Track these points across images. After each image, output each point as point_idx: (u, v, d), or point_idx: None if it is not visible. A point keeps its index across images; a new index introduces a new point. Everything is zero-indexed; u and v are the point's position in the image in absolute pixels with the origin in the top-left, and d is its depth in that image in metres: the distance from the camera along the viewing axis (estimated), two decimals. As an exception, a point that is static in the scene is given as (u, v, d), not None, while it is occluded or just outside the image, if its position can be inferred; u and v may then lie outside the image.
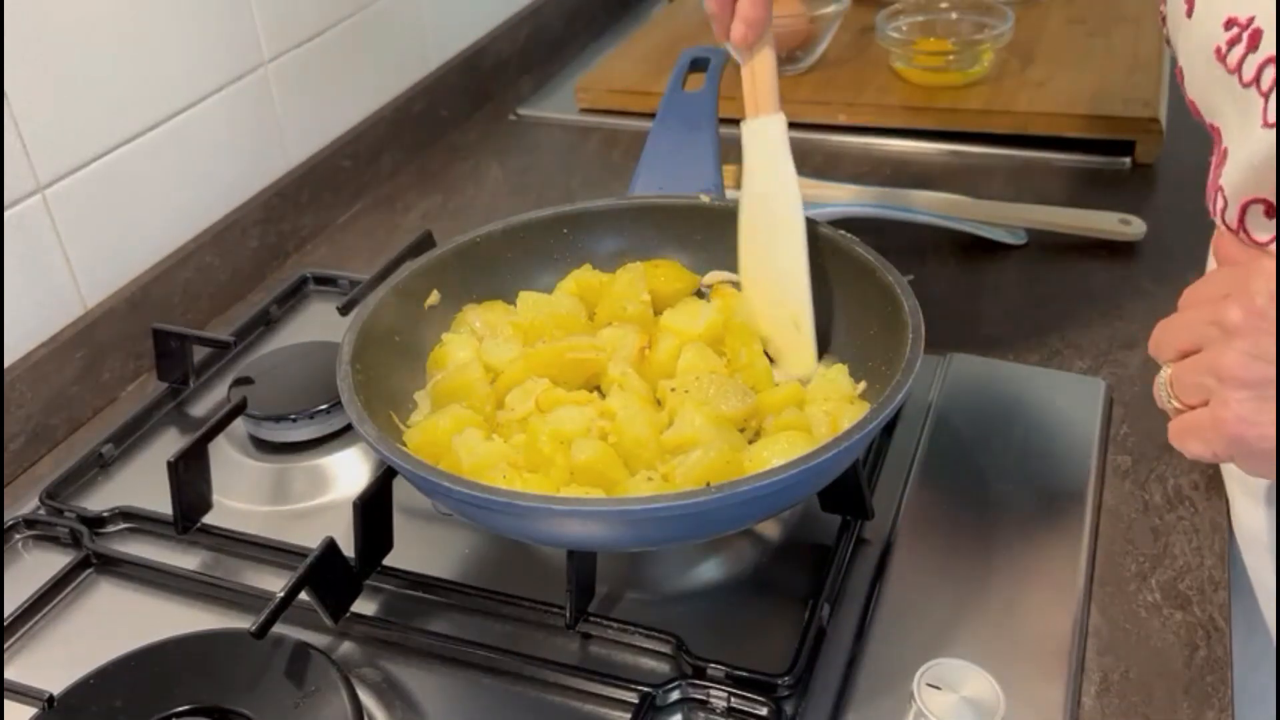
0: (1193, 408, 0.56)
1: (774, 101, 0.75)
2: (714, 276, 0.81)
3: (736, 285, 0.81)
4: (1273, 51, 0.57)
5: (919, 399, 0.81)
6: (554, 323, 0.77)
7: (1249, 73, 0.58)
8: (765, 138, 0.76)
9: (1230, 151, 0.62)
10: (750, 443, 0.67)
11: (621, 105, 1.29)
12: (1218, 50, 0.60)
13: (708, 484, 0.61)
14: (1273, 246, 0.60)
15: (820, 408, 0.69)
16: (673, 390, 0.70)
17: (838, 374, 0.71)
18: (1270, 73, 0.57)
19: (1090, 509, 0.71)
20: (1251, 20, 0.58)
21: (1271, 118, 0.57)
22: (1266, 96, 0.57)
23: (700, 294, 0.81)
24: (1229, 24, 0.60)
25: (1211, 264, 0.71)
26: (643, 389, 0.71)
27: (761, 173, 0.76)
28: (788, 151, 0.75)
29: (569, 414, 0.68)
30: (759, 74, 0.75)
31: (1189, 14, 0.64)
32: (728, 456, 0.63)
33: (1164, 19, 0.71)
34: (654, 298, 0.78)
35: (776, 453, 0.64)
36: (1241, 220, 0.62)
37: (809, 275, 0.74)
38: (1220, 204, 0.63)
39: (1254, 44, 0.58)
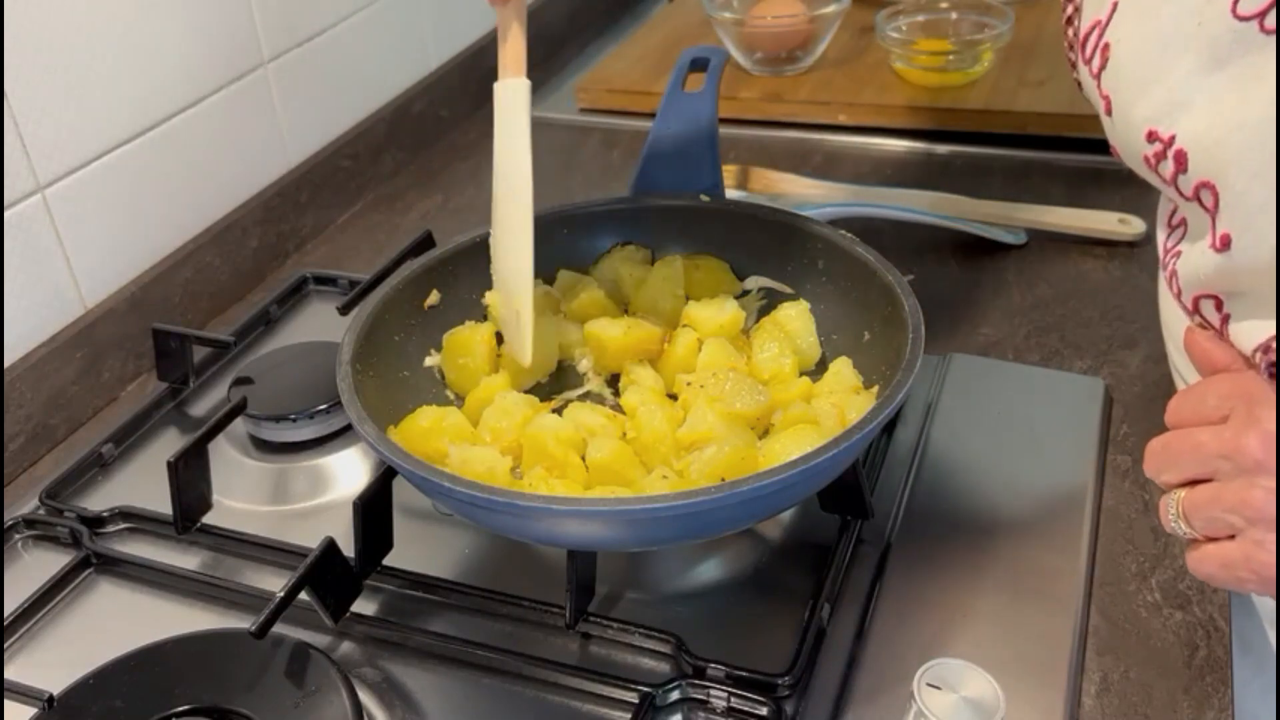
0: (1210, 538, 0.54)
1: (521, 65, 0.69)
2: (755, 282, 0.81)
3: (777, 291, 0.80)
4: (1205, 176, 0.54)
5: (919, 399, 0.81)
6: (595, 305, 0.78)
7: (1187, 189, 0.56)
8: (505, 101, 0.70)
9: (1188, 238, 0.60)
10: (760, 438, 0.68)
11: (621, 105, 1.29)
12: (1146, 159, 0.58)
13: (722, 480, 0.61)
14: (1231, 334, 0.59)
15: (827, 400, 0.69)
16: (688, 385, 0.70)
17: (842, 366, 0.72)
18: (1208, 196, 0.54)
19: (1090, 509, 0.71)
20: (1173, 139, 0.55)
21: (1219, 241, 0.55)
22: (1213, 214, 0.55)
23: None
24: (1150, 136, 0.57)
25: (1164, 291, 0.69)
26: (658, 384, 0.71)
27: (502, 136, 0.71)
28: (527, 119, 0.69)
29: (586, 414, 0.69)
30: (511, 35, 0.70)
31: (1108, 112, 0.61)
32: (742, 453, 0.64)
33: (1072, 65, 0.67)
34: (690, 296, 0.79)
35: (790, 447, 0.64)
36: (1196, 307, 0.60)
37: (532, 260, 0.69)
38: (1175, 286, 0.62)
39: (1182, 165, 0.55)
